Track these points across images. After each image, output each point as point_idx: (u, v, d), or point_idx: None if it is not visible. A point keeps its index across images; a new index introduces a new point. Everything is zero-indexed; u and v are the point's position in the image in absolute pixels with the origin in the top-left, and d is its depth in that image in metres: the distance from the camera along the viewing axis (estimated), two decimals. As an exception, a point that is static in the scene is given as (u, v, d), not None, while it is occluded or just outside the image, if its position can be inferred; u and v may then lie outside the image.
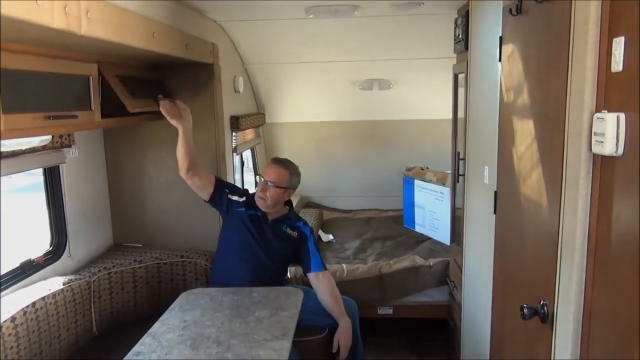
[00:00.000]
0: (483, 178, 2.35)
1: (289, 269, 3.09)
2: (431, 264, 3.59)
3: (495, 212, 2.14)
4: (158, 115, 2.68)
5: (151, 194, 3.21)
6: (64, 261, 2.69)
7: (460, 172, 2.94)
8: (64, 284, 2.45)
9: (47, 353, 2.27)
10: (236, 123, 3.65)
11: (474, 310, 2.60)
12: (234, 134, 3.68)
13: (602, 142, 1.16)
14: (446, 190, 3.97)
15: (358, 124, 5.09)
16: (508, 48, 1.97)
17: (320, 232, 4.38)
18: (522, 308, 1.55)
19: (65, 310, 2.41)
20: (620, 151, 1.13)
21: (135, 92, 2.52)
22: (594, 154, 1.24)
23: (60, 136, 2.54)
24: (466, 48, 2.72)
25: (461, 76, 3.00)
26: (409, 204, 4.55)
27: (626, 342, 1.12)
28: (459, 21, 2.90)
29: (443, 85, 3.75)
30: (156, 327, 2.02)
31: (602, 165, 1.22)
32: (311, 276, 2.75)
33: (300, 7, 3.13)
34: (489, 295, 2.22)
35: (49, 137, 2.38)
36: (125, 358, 1.77)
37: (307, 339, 2.60)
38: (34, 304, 2.21)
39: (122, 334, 2.50)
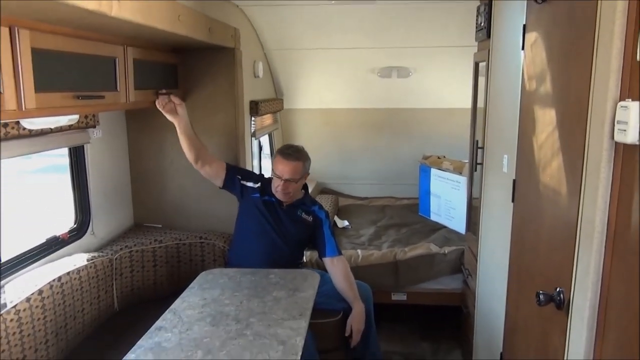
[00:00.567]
0: (502, 167, 2.36)
1: (305, 253, 3.13)
2: (446, 252, 3.61)
3: (513, 201, 2.15)
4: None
5: (171, 176, 3.27)
6: (87, 239, 2.77)
7: (479, 161, 2.94)
8: (87, 261, 2.52)
9: (72, 326, 2.36)
10: (255, 108, 3.68)
11: (488, 298, 2.62)
12: (253, 118, 3.72)
13: (624, 130, 1.17)
14: (463, 179, 3.97)
15: (376, 111, 5.09)
16: (531, 36, 1.96)
17: (336, 218, 4.42)
18: (537, 294, 1.57)
19: (88, 285, 2.49)
20: (643, 140, 1.13)
21: (145, 78, 2.54)
22: (615, 143, 1.25)
23: (86, 116, 2.59)
24: (488, 36, 2.71)
25: (482, 65, 2.99)
26: (425, 192, 4.56)
27: (642, 329, 1.13)
28: (482, 9, 2.88)
29: (462, 74, 3.74)
30: (177, 303, 2.08)
31: (624, 153, 1.23)
32: (326, 261, 2.79)
33: (321, -8, 3.14)
34: (504, 284, 2.24)
35: (77, 116, 2.44)
36: (148, 331, 1.83)
37: (322, 322, 2.65)
38: (59, 278, 2.29)
39: (142, 311, 2.58)
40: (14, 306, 2.02)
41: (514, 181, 2.15)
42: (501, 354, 2.30)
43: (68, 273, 2.36)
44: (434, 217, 4.45)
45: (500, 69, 2.53)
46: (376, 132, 5.17)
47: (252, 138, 3.75)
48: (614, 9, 1.23)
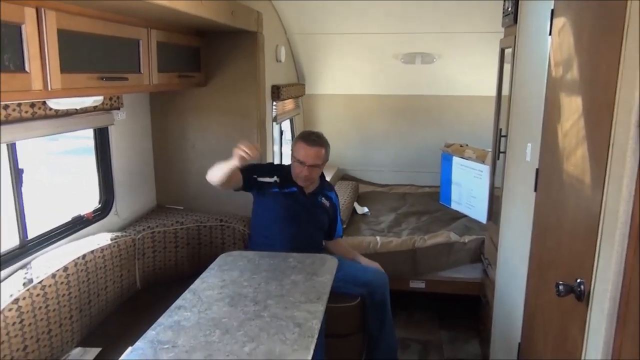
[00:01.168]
0: (525, 155, 2.32)
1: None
2: (466, 240, 3.58)
3: (535, 190, 2.12)
4: (198, 82, 2.73)
5: (193, 159, 3.30)
6: (111, 218, 2.83)
7: (502, 150, 2.89)
8: (111, 240, 2.58)
9: (95, 303, 2.42)
10: (277, 92, 3.68)
11: (508, 288, 2.59)
12: (274, 103, 3.72)
13: (653, 119, 1.14)
14: (485, 168, 3.92)
15: (398, 98, 5.03)
16: (559, 21, 1.91)
17: (356, 205, 4.42)
18: (557, 285, 1.55)
19: (112, 264, 2.55)
20: (672, 129, 1.10)
21: (168, 61, 2.55)
22: (643, 132, 1.21)
23: (110, 98, 2.63)
24: (515, 21, 2.65)
25: (507, 51, 2.92)
26: (446, 180, 4.51)
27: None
28: (510, -6, 2.82)
29: (487, 61, 3.67)
30: (197, 284, 2.11)
31: (652, 143, 1.20)
32: (332, 241, 2.95)
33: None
34: (524, 274, 2.22)
35: (101, 98, 2.48)
36: (168, 309, 1.87)
37: (340, 306, 2.67)
38: (84, 256, 2.36)
39: (164, 290, 2.62)
40: (40, 282, 2.09)
41: (537, 170, 2.11)
42: (519, 344, 2.28)
43: (92, 251, 2.42)
44: (454, 206, 4.41)
45: (526, 55, 2.48)
46: (398, 119, 5.11)
47: (274, 123, 3.76)
48: (646, -7, 1.19)
